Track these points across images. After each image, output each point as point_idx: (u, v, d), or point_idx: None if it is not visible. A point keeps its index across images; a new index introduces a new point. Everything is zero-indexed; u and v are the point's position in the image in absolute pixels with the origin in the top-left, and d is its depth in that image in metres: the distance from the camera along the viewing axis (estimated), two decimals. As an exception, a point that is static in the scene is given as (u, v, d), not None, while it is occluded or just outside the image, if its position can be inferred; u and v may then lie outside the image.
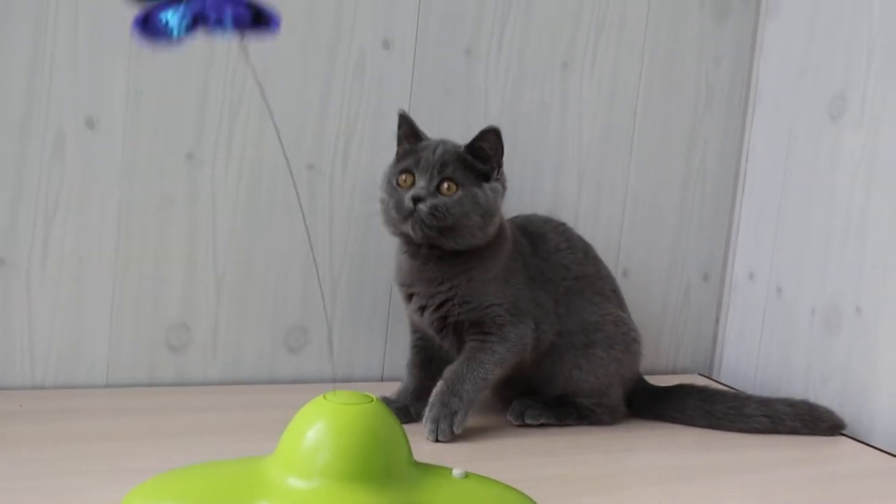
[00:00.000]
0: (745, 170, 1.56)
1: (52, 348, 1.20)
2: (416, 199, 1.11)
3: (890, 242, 1.29)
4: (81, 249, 1.20)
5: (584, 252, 1.28)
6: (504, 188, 1.18)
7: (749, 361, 1.53)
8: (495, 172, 1.16)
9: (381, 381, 1.37)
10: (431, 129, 1.35)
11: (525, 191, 1.43)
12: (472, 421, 1.18)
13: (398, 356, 1.35)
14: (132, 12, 0.76)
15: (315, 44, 1.28)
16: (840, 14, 1.40)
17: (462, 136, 1.29)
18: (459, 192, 1.12)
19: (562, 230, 1.28)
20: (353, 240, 1.33)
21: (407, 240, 1.17)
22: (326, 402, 0.82)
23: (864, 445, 1.25)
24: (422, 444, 1.10)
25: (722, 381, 1.52)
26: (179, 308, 1.26)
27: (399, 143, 1.20)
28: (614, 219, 1.50)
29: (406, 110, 1.21)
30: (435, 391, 1.14)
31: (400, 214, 1.13)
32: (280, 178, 1.29)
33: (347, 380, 1.35)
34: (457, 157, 1.14)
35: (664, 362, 1.57)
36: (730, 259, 1.59)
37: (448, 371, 1.16)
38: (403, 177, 1.14)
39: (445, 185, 1.12)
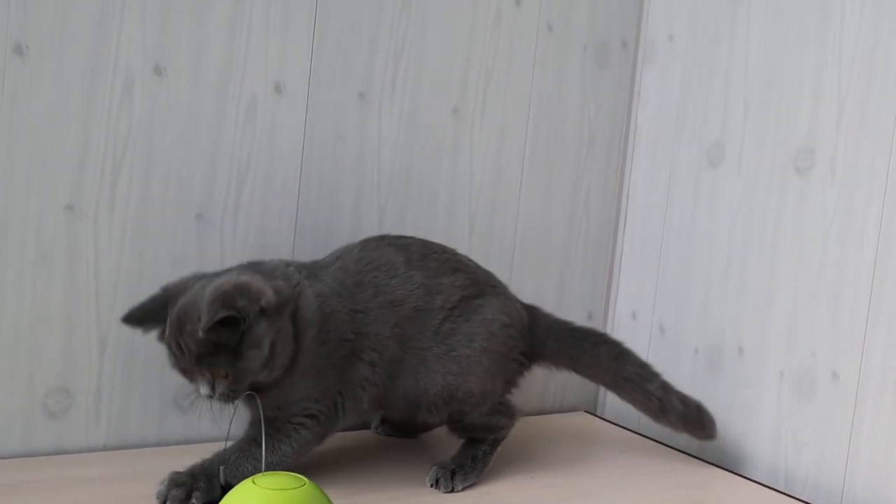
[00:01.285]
0: (625, 212, 1.61)
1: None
2: (210, 397, 1.06)
3: (770, 283, 1.36)
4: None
5: (406, 263, 1.19)
6: (263, 311, 1.05)
7: (633, 399, 1.57)
8: (243, 325, 1.03)
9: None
10: (323, 174, 1.33)
11: (418, 234, 1.41)
12: (384, 487, 1.16)
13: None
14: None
15: (204, 89, 1.23)
16: (714, 63, 1.46)
17: (355, 182, 1.28)
18: (235, 368, 1.04)
19: (376, 258, 1.18)
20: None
21: None
22: (256, 488, 0.78)
23: (740, 478, 1.31)
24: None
25: (607, 419, 1.56)
26: (59, 371, 1.17)
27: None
28: (504, 262, 1.51)
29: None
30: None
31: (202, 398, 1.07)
32: (167, 231, 1.22)
33: (121, 446, 1.23)
34: (197, 344, 1.03)
35: (551, 401, 1.60)
36: (612, 299, 1.63)
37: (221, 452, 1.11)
38: (183, 374, 1.07)
39: (216, 372, 1.04)
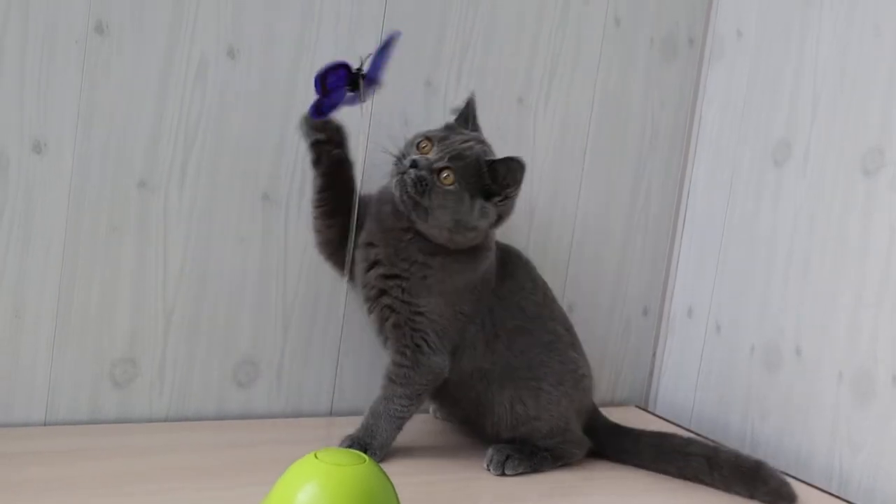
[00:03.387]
0: (685, 208, 1.60)
1: (-11, 384, 1.13)
2: (414, 164, 1.12)
3: (831, 284, 1.35)
4: (24, 270, 1.13)
5: (544, 293, 1.29)
6: (500, 217, 1.18)
7: (686, 396, 1.57)
8: (498, 198, 1.15)
9: (330, 415, 1.35)
10: (388, 160, 1.34)
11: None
12: (440, 469, 1.17)
13: (347, 391, 1.34)
14: None
15: (275, 74, 1.25)
16: (783, 60, 1.45)
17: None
18: (453, 188, 1.11)
19: (529, 269, 1.29)
20: (306, 271, 1.30)
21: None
22: (318, 462, 0.80)
23: (792, 479, 1.29)
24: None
25: (658, 414, 1.56)
26: (126, 341, 1.20)
27: (455, 119, 1.22)
28: (561, 254, 1.52)
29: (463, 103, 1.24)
30: (356, 431, 1.16)
31: (396, 168, 1.14)
32: (234, 208, 1.25)
33: (296, 414, 1.32)
34: (475, 160, 1.14)
35: (603, 394, 1.59)
36: (668, 294, 1.62)
37: (369, 410, 1.17)
38: (424, 142, 1.15)
39: (446, 173, 1.11)
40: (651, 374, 1.64)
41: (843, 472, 1.31)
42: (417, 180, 1.11)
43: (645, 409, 1.60)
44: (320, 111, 1.08)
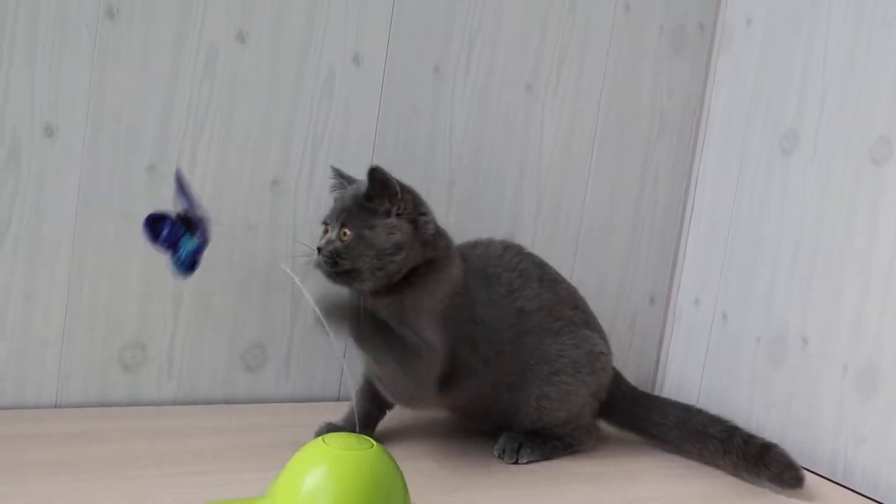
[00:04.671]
0: (693, 198, 1.60)
1: (-1, 366, 1.14)
2: (318, 249, 1.12)
3: (839, 275, 1.35)
4: (35, 254, 1.14)
5: (539, 280, 1.26)
6: (418, 223, 1.13)
7: (692, 385, 1.57)
8: (395, 209, 1.13)
9: (338, 400, 1.35)
10: (397, 146, 1.34)
11: (485, 211, 1.43)
12: (448, 454, 1.18)
13: (356, 375, 1.34)
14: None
15: (284, 59, 1.25)
16: (793, 50, 1.45)
17: (426, 155, 1.29)
18: (353, 235, 1.11)
19: (516, 262, 1.26)
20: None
21: None
22: (327, 447, 0.80)
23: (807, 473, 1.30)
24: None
25: (664, 402, 1.56)
26: (136, 325, 1.21)
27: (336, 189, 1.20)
28: (569, 242, 1.52)
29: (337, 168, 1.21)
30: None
31: (312, 262, 1.13)
32: (241, 194, 1.25)
33: (305, 399, 1.33)
34: (353, 200, 1.14)
35: (609, 382, 1.60)
36: (675, 284, 1.63)
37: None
38: (323, 228, 1.15)
39: (342, 231, 1.12)
40: (657, 362, 1.64)
41: (847, 462, 1.32)
42: (326, 257, 1.11)
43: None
44: (184, 265, 1.00)
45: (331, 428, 1.15)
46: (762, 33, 1.51)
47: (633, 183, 1.57)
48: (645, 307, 1.62)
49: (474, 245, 1.27)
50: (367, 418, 1.19)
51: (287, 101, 1.26)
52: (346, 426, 1.16)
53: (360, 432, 1.12)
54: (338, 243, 1.11)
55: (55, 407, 1.17)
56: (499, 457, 1.19)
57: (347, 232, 1.11)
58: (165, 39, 1.17)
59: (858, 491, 1.25)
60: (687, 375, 1.59)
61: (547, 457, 1.22)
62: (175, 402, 1.25)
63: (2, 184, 1.11)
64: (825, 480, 1.27)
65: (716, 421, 1.27)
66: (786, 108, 1.45)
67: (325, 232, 1.14)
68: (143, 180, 1.19)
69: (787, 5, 1.47)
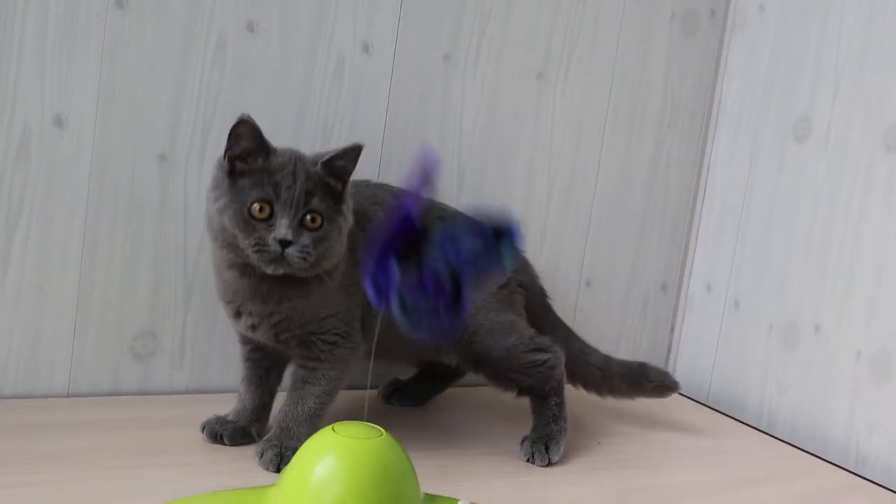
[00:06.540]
0: (705, 184, 1.60)
1: (11, 355, 1.15)
2: (284, 244, 0.97)
3: (851, 261, 1.34)
4: (47, 243, 1.15)
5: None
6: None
7: (704, 371, 1.57)
8: (344, 190, 1.03)
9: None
10: (406, 135, 1.34)
11: (495, 199, 1.42)
12: (457, 445, 1.17)
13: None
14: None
15: (294, 48, 1.25)
16: (806, 36, 1.43)
17: (435, 144, 1.31)
18: (325, 225, 0.99)
19: (379, 195, 1.16)
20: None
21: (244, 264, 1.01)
22: (336, 436, 0.80)
23: (810, 456, 1.30)
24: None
25: (676, 390, 1.56)
26: (147, 314, 1.22)
27: (240, 158, 1.00)
28: (580, 229, 1.51)
29: (258, 128, 1.02)
30: (269, 436, 1.05)
31: (263, 259, 0.97)
32: (254, 182, 1.25)
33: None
34: (317, 180, 0.99)
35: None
36: (687, 270, 1.62)
37: (281, 414, 1.06)
38: (258, 206, 0.97)
39: (309, 217, 0.98)
40: (669, 349, 1.64)
41: (860, 449, 1.31)
42: (302, 255, 0.96)
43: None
44: (383, 295, 0.80)
45: (219, 420, 1.09)
46: (775, 19, 1.49)
47: (645, 169, 1.56)
48: (657, 294, 1.61)
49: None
50: (257, 410, 1.11)
51: (297, 89, 1.26)
52: (237, 418, 1.10)
53: (253, 423, 1.09)
54: (306, 235, 0.97)
55: (67, 396, 1.18)
56: (528, 461, 1.14)
57: (318, 218, 0.98)
58: (175, 29, 1.17)
59: (871, 479, 1.24)
60: (699, 362, 1.58)
61: (565, 427, 1.17)
62: (186, 391, 1.26)
63: (13, 174, 1.11)
64: (838, 468, 1.27)
65: (594, 351, 1.30)
66: (799, 95, 1.44)
67: (261, 215, 0.97)
68: (154, 170, 1.19)
69: (800, -10, 1.45)
